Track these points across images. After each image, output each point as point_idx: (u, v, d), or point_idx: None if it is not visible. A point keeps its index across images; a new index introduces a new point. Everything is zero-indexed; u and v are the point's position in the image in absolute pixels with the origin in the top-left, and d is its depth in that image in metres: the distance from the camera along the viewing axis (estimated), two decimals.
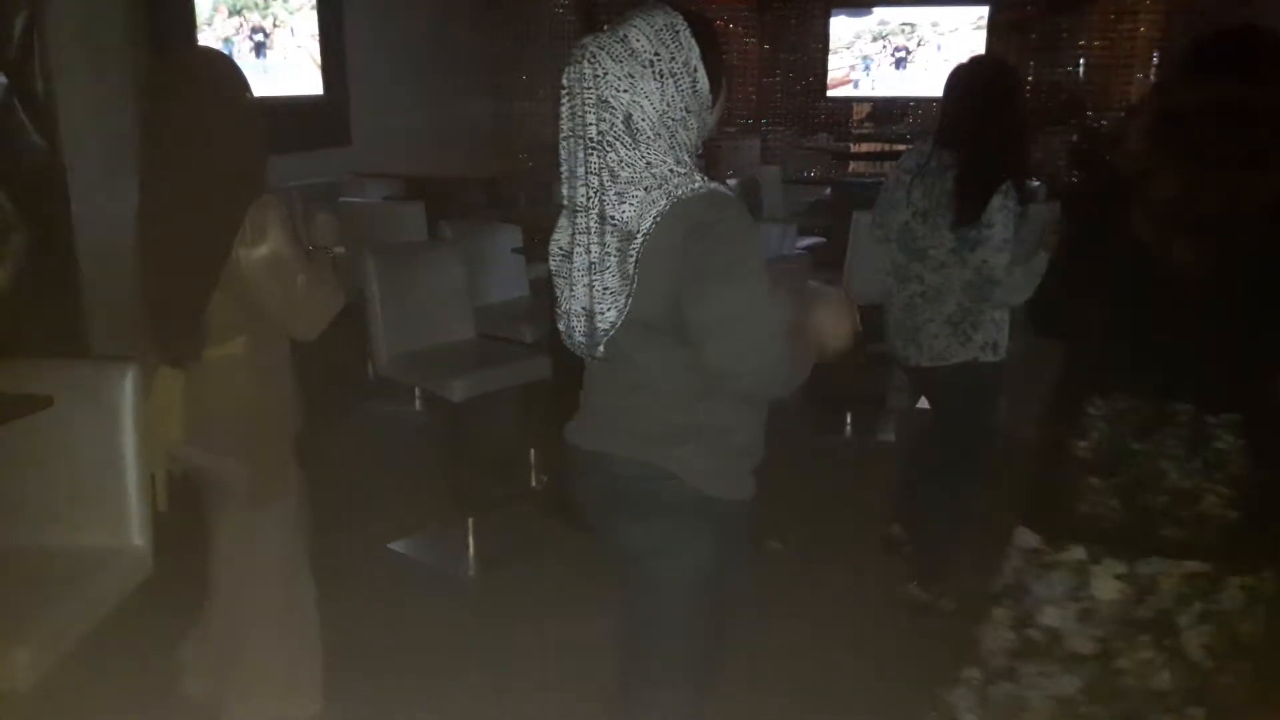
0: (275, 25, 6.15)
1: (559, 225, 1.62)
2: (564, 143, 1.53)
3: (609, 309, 1.53)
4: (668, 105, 1.49)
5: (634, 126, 1.47)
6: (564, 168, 1.54)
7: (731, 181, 5.45)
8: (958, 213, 2.63)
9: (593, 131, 1.47)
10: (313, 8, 6.41)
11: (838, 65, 9.84)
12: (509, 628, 2.89)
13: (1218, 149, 1.57)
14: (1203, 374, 1.64)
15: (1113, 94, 9.30)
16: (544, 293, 4.07)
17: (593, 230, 1.51)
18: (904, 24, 9.67)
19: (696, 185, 1.49)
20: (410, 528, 3.47)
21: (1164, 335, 1.65)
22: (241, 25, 5.90)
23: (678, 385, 1.60)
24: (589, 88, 1.47)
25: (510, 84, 8.40)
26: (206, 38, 5.55)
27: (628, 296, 1.52)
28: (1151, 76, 9.13)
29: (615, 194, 1.49)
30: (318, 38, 6.44)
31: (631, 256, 1.50)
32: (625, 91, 1.46)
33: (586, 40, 1.50)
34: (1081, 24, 9.32)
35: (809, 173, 7.97)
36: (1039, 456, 1.82)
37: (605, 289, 1.52)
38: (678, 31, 1.50)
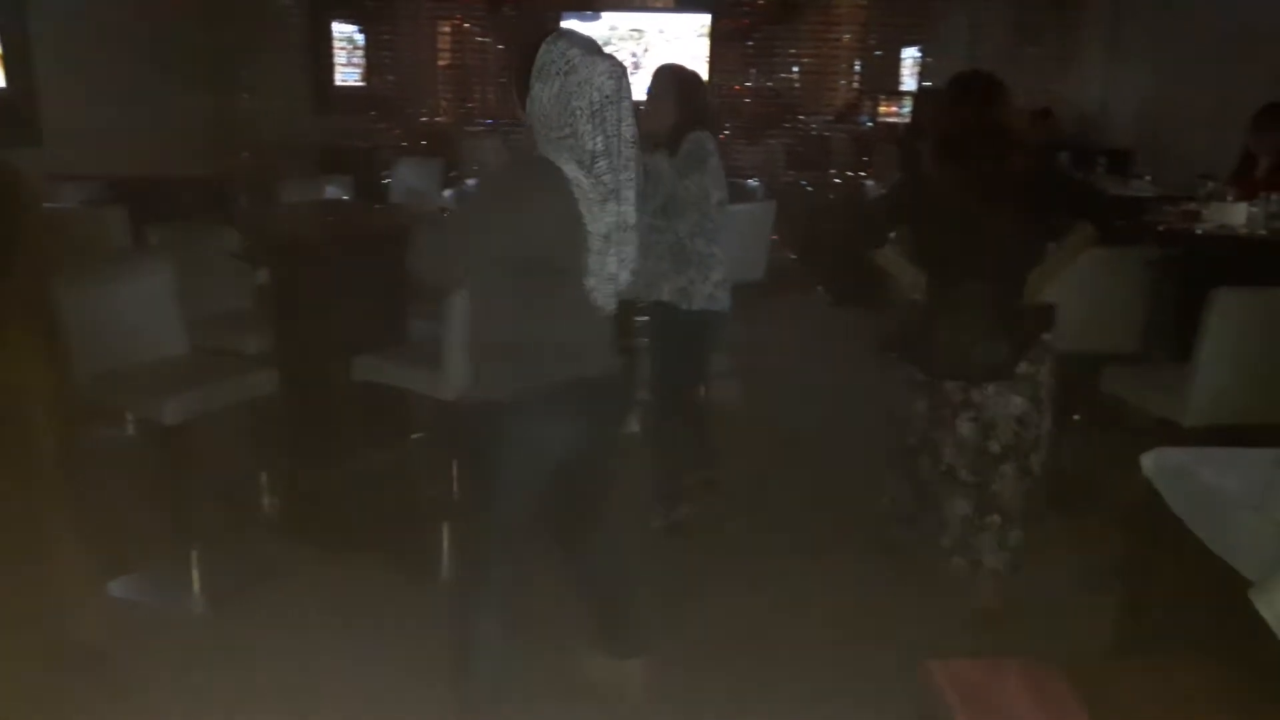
0: None
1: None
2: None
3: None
4: None
5: None
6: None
7: (472, 182, 5.42)
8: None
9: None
10: None
11: None
12: (245, 662, 2.72)
13: (971, 148, 2.82)
14: (972, 271, 2.84)
15: (821, 99, 10.10)
16: (268, 301, 3.83)
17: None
18: (633, 30, 9.97)
19: None
20: (127, 566, 3.15)
21: (951, 249, 2.88)
22: None
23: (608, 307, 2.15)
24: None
25: (230, 79, 7.84)
26: None
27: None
28: (855, 84, 10.00)
29: None
30: None
31: None
32: None
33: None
34: (794, 34, 10.04)
35: None
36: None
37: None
38: None
